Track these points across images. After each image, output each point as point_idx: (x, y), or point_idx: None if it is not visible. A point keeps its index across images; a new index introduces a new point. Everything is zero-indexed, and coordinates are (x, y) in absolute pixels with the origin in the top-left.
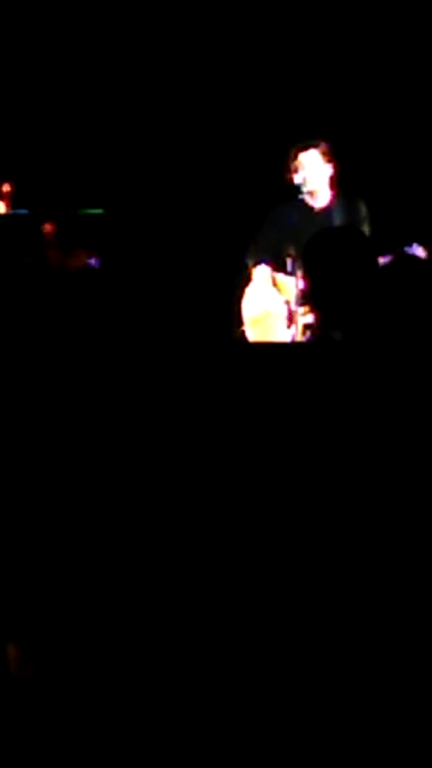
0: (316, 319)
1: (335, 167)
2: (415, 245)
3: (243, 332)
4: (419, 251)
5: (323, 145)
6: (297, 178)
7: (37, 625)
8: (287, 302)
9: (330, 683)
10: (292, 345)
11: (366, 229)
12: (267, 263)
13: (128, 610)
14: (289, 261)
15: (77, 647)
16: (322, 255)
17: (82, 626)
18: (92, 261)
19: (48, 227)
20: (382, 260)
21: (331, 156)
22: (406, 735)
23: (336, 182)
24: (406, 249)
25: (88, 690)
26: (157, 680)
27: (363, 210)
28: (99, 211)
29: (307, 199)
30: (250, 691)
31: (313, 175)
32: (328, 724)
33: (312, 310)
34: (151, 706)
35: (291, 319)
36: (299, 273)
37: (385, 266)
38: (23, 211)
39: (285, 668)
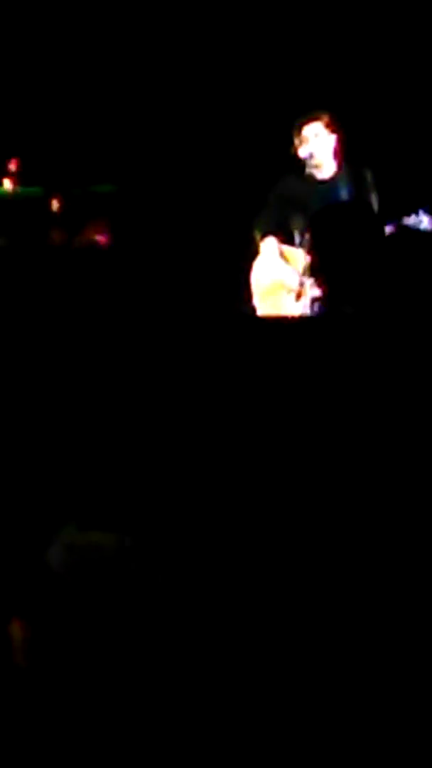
0: (324, 292)
1: (339, 137)
2: (421, 212)
3: (252, 305)
4: (425, 219)
5: (326, 117)
6: (302, 152)
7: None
8: (296, 275)
9: (330, 682)
10: (302, 318)
11: (373, 197)
12: (275, 236)
13: (129, 601)
14: (296, 233)
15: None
16: (329, 229)
17: (82, 619)
18: (100, 238)
19: (55, 204)
20: (387, 230)
21: (335, 126)
22: (406, 735)
23: (341, 152)
24: (413, 216)
25: (88, 684)
26: (157, 680)
27: (369, 178)
28: (109, 188)
29: (313, 171)
30: (250, 690)
31: (318, 147)
32: (328, 723)
33: (319, 284)
34: (150, 707)
35: (300, 292)
36: (307, 245)
37: (388, 238)
38: (36, 189)
39: (284, 661)
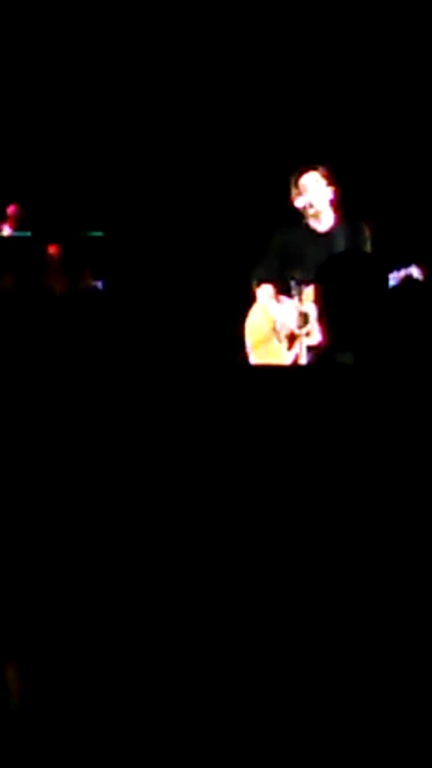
0: (326, 341)
1: (336, 190)
2: (413, 266)
3: (245, 354)
4: (416, 272)
5: (323, 169)
6: (298, 202)
7: (37, 642)
8: (290, 324)
9: (330, 684)
10: (297, 367)
11: (368, 250)
12: (270, 285)
13: (128, 624)
14: (292, 283)
15: (77, 657)
16: (337, 278)
17: (81, 636)
18: (98, 284)
19: (53, 249)
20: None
21: (331, 179)
22: (406, 735)
23: (338, 205)
24: (405, 270)
25: (88, 702)
26: (157, 687)
27: (366, 232)
28: (99, 233)
29: (311, 222)
30: (250, 692)
31: (315, 197)
32: (328, 724)
33: (322, 333)
34: (150, 712)
35: (293, 341)
36: (302, 295)
37: (393, 289)
38: (26, 234)
39: (285, 671)
